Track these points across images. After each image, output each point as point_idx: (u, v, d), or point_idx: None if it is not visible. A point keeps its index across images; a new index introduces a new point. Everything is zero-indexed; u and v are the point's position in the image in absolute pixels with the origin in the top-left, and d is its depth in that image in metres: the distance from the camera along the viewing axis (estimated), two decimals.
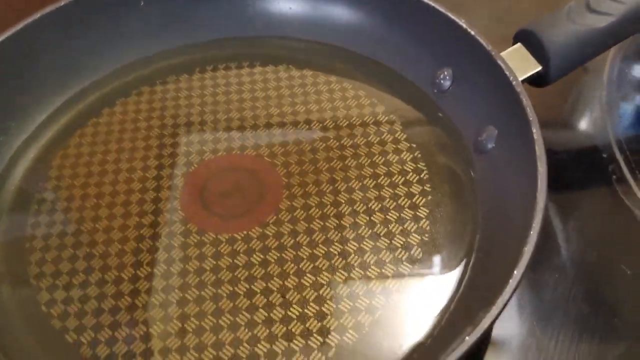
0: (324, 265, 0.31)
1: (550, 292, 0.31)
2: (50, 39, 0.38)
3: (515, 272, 0.24)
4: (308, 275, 0.30)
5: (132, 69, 0.41)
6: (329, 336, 0.28)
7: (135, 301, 0.30)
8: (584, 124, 0.39)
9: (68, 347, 0.28)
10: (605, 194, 0.35)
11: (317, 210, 0.33)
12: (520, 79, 0.32)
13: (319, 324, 0.29)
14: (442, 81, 0.37)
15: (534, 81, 0.34)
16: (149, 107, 0.39)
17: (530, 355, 0.29)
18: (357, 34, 0.40)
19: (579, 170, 0.36)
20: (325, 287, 0.30)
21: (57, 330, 0.29)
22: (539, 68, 0.33)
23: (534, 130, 0.30)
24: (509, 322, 0.30)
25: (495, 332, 0.30)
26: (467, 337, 0.23)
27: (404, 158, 0.35)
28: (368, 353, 0.28)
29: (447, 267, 0.30)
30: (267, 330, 0.28)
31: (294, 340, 0.28)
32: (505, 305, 0.24)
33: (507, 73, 0.32)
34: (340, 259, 0.31)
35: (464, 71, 0.36)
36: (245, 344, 0.28)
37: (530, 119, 0.30)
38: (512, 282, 0.24)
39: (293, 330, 0.28)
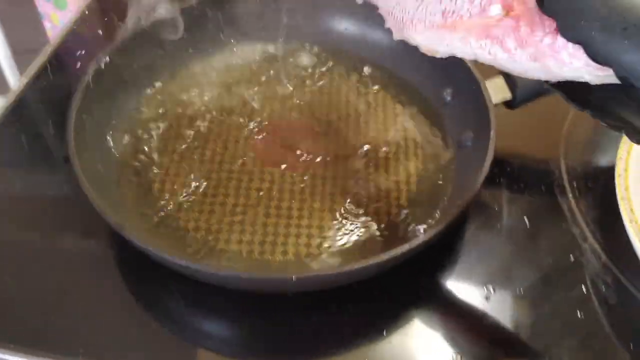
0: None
1: (487, 242, 0.46)
2: None
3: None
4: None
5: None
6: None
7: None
8: (542, 143, 0.54)
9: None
10: (546, 192, 0.49)
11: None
12: (495, 102, 0.48)
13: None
14: (446, 96, 0.53)
15: (505, 104, 0.49)
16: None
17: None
18: (392, 53, 0.56)
19: (531, 175, 0.51)
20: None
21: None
22: (509, 95, 0.48)
23: (492, 135, 0.45)
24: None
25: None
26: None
27: (409, 146, 0.51)
28: None
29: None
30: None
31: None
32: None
33: (486, 96, 0.47)
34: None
35: (461, 91, 0.51)
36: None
37: (492, 127, 0.45)
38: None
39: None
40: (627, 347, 0.40)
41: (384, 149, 0.51)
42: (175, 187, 0.47)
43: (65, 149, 0.43)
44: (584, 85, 0.30)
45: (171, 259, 0.36)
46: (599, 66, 0.27)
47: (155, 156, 0.50)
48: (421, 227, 0.45)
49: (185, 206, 0.46)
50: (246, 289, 0.40)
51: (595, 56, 0.27)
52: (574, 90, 0.33)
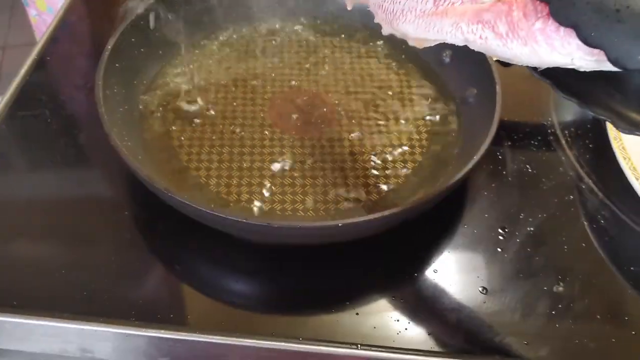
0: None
1: (496, 188, 0.50)
2: None
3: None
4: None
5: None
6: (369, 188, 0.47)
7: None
8: (537, 100, 0.58)
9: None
10: (542, 142, 0.54)
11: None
12: (494, 58, 0.51)
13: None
14: (444, 58, 0.56)
15: (500, 62, 0.53)
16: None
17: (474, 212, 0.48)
18: None
19: (527, 127, 0.55)
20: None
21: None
22: None
23: (497, 89, 0.49)
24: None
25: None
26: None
27: (416, 106, 0.54)
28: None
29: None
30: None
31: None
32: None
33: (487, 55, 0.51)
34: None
35: (459, 52, 0.55)
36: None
37: (497, 82, 0.49)
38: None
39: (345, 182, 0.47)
40: (628, 271, 0.45)
41: (393, 109, 0.54)
42: (201, 155, 0.50)
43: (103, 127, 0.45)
44: (572, 74, 0.31)
45: (225, 216, 0.39)
46: (589, 50, 0.27)
47: (176, 125, 0.52)
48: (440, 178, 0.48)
49: (213, 172, 0.48)
50: (292, 242, 0.43)
51: (587, 39, 0.27)
52: (561, 79, 0.35)
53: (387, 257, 0.45)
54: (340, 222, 0.39)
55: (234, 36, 0.61)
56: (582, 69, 0.30)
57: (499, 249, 0.46)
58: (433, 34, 0.35)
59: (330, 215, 0.46)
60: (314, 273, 0.45)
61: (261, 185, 0.48)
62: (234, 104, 0.54)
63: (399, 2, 0.37)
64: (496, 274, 0.44)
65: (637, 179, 0.46)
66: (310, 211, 0.46)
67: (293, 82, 0.56)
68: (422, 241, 0.46)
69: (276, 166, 0.49)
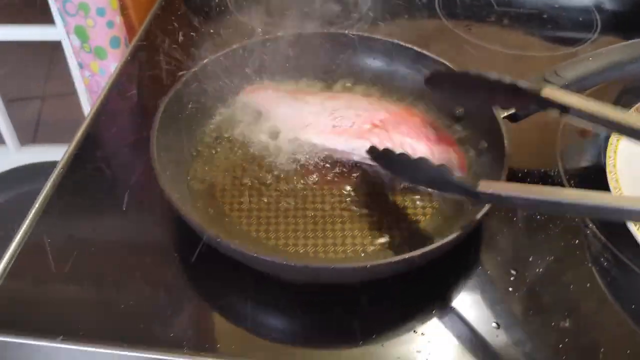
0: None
1: (507, 233, 0.55)
2: None
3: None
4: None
5: None
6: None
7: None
8: (543, 150, 0.64)
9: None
10: None
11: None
12: (502, 115, 0.57)
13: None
14: (458, 113, 0.63)
15: (510, 118, 0.59)
16: None
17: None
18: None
19: (535, 176, 0.61)
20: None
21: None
22: (513, 110, 0.58)
23: (506, 143, 0.54)
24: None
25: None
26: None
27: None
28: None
29: None
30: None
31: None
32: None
33: (495, 111, 0.57)
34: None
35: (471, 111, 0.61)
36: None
37: (505, 136, 0.55)
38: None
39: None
40: (629, 308, 0.50)
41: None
42: (245, 208, 0.56)
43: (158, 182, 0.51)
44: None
45: (268, 259, 0.45)
46: None
47: (218, 176, 0.58)
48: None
49: (253, 219, 0.54)
50: (325, 281, 0.48)
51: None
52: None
53: (409, 295, 0.50)
54: (368, 264, 0.45)
55: None
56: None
57: (510, 289, 0.51)
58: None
59: (362, 257, 0.51)
60: (344, 309, 0.50)
61: (296, 230, 0.54)
62: (275, 158, 0.60)
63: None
64: (508, 311, 0.49)
65: (634, 225, 0.51)
66: (341, 253, 0.52)
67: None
68: (442, 280, 0.51)
69: (311, 212, 0.55)
